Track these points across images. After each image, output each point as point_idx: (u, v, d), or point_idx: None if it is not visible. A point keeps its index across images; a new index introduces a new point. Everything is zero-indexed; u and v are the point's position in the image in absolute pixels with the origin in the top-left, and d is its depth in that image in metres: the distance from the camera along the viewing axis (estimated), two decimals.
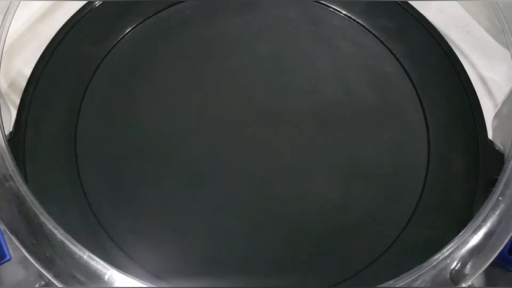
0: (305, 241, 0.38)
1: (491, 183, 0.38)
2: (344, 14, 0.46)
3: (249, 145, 0.41)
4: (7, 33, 0.39)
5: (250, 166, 0.40)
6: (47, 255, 0.32)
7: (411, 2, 0.46)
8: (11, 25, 0.39)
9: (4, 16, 0.39)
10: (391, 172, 0.40)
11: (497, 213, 0.34)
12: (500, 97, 0.45)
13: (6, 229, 0.32)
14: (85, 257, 0.32)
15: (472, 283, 0.33)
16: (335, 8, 0.46)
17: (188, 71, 0.43)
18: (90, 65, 0.42)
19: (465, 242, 0.33)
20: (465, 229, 0.34)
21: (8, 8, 0.39)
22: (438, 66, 0.44)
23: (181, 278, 0.36)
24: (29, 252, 0.32)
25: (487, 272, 0.35)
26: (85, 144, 0.40)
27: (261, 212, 0.39)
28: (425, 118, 0.42)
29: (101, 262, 0.32)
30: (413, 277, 0.32)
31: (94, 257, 0.32)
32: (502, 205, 0.34)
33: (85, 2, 0.44)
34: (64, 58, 0.42)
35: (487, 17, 0.49)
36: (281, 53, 0.44)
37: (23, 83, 0.41)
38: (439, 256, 0.33)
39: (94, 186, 0.38)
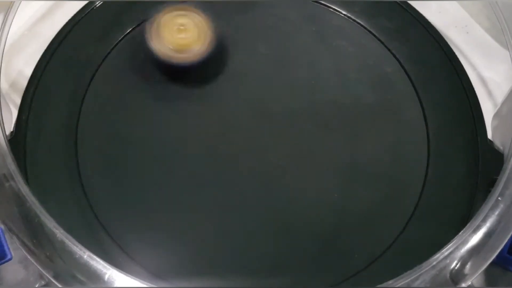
0: (305, 241, 0.38)
1: (491, 183, 0.38)
2: (344, 14, 0.46)
3: (249, 144, 0.41)
4: (8, 33, 0.39)
5: (250, 166, 0.40)
6: (47, 254, 0.32)
7: (411, 2, 0.46)
8: (12, 25, 0.39)
9: (5, 16, 0.39)
10: (391, 172, 0.40)
11: (496, 213, 0.34)
12: (500, 97, 0.45)
13: (6, 228, 0.33)
14: (85, 256, 0.32)
15: (471, 283, 0.33)
16: (335, 8, 0.46)
17: (188, 71, 0.43)
18: (91, 65, 0.42)
19: (465, 242, 0.34)
20: (464, 229, 0.34)
21: (9, 8, 0.39)
22: (438, 66, 0.44)
23: (181, 278, 0.37)
24: (29, 251, 0.32)
25: (486, 272, 0.35)
26: (86, 144, 0.40)
27: (261, 212, 0.39)
28: (425, 118, 0.42)
29: (101, 262, 0.32)
30: (413, 277, 0.32)
31: (94, 256, 0.32)
32: (501, 205, 0.34)
33: (86, 2, 0.44)
34: (65, 58, 0.42)
35: (487, 17, 0.49)
36: (281, 53, 0.44)
37: (24, 83, 0.41)
38: (439, 256, 0.33)
39: (94, 186, 0.38)
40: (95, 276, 0.31)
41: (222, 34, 0.42)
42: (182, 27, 0.41)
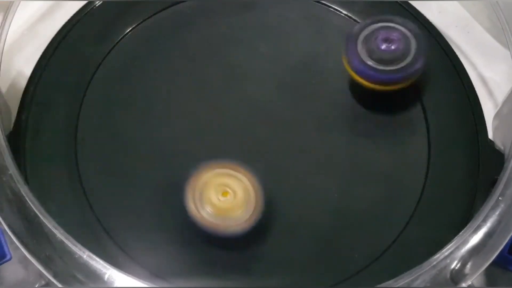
0: (305, 241, 0.38)
1: (491, 183, 0.38)
2: (344, 14, 0.46)
3: (249, 145, 0.41)
4: (7, 32, 0.39)
5: (250, 166, 0.40)
6: (47, 254, 0.32)
7: (412, 2, 0.46)
8: (11, 24, 0.39)
9: (5, 16, 0.39)
10: (391, 172, 0.40)
11: (497, 213, 0.34)
12: (501, 97, 0.45)
13: (6, 228, 0.33)
14: (84, 256, 0.32)
15: (472, 282, 0.33)
16: (335, 8, 0.46)
17: (188, 71, 0.43)
18: (91, 65, 0.42)
19: (465, 242, 0.33)
20: (465, 229, 0.34)
21: (8, 7, 0.39)
22: (438, 66, 0.44)
23: (181, 278, 0.37)
24: (29, 251, 0.32)
25: (487, 272, 0.35)
26: (85, 144, 0.40)
27: (261, 212, 0.39)
28: (426, 118, 0.42)
29: (101, 261, 0.32)
30: (413, 277, 0.32)
31: (94, 256, 0.32)
32: (502, 205, 0.34)
33: (86, 2, 0.44)
34: (65, 58, 0.42)
35: (488, 17, 0.48)
36: (281, 53, 0.44)
37: (23, 82, 0.42)
38: (439, 256, 0.33)
39: (94, 185, 0.38)
40: (95, 276, 0.31)
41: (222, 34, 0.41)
42: (227, 189, 0.36)
